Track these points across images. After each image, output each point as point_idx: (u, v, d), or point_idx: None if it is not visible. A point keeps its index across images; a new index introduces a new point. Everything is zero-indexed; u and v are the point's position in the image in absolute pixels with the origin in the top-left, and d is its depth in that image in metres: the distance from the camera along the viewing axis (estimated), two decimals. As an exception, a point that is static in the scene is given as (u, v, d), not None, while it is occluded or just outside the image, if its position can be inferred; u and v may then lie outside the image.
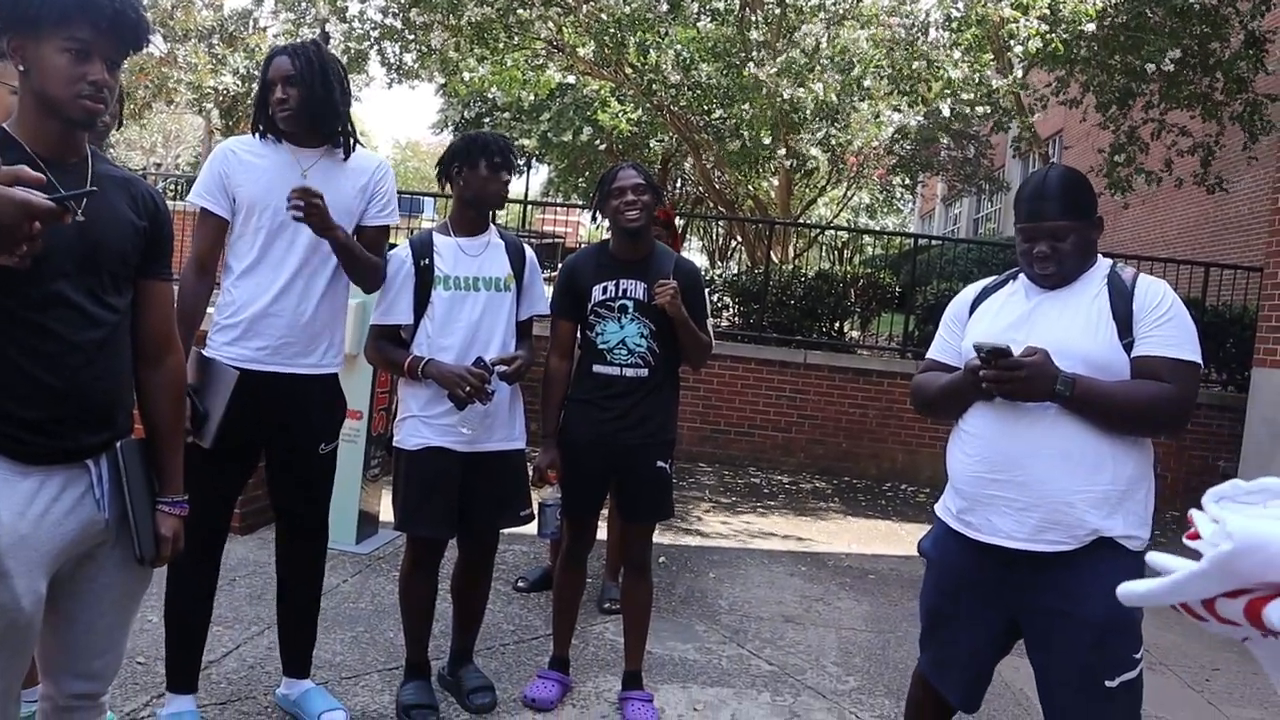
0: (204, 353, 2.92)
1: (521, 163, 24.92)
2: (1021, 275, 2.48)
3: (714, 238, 24.82)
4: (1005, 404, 2.30)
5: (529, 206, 15.22)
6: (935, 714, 2.61)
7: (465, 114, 21.58)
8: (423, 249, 3.21)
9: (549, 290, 3.47)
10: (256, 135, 2.98)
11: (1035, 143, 11.11)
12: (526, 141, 16.73)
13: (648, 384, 3.30)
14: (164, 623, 3.01)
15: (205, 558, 2.99)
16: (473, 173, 3.17)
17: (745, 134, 10.74)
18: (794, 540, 6.33)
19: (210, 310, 3.06)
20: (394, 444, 3.26)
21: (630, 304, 3.30)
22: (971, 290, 2.61)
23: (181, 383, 2.19)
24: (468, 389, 3.03)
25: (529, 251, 3.37)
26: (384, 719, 3.23)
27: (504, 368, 3.12)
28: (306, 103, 2.86)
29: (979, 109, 9.22)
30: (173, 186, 14.48)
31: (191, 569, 2.94)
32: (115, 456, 1.99)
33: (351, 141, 3.02)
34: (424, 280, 3.18)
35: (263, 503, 4.92)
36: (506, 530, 3.46)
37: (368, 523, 5.34)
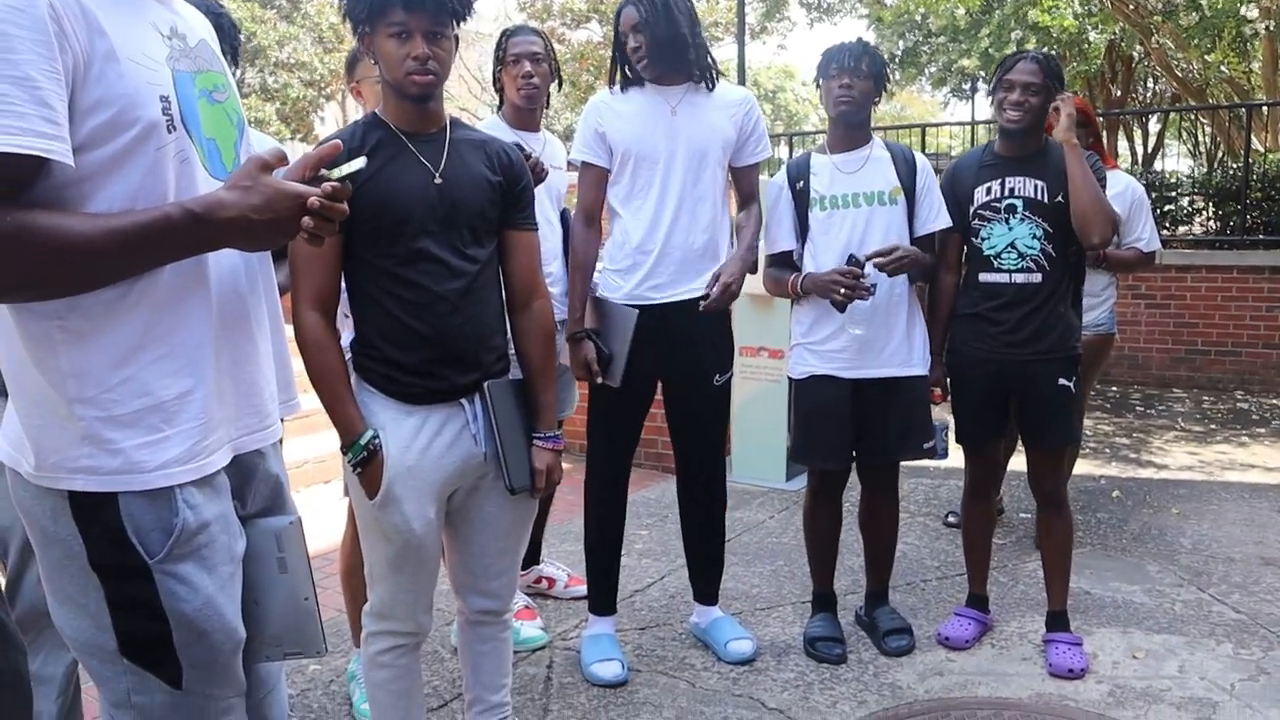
0: (598, 295, 3.08)
1: (966, 87, 23.67)
2: None
3: (1198, 139, 21.86)
4: None
5: (975, 129, 14.39)
6: None
7: (901, 44, 20.85)
8: (798, 172, 3.14)
9: None
10: (618, 88, 3.06)
11: None
12: (967, 62, 15.84)
13: (1042, 291, 2.98)
14: (584, 550, 3.25)
15: (612, 489, 3.17)
16: (823, 86, 3.04)
17: (1204, 1, 9.22)
18: (1287, 473, 5.42)
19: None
20: (788, 374, 3.23)
21: (1019, 203, 2.99)
22: None
23: (549, 325, 2.32)
24: (843, 290, 2.91)
25: (921, 160, 3.15)
26: (793, 650, 3.24)
27: (880, 259, 2.92)
28: (656, 43, 2.89)
29: None
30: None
31: (599, 501, 3.16)
32: (485, 395, 2.16)
33: (713, 74, 3.02)
34: (801, 203, 3.11)
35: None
36: (940, 465, 3.30)
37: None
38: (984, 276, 3.05)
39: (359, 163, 1.42)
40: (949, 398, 3.18)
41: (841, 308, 2.97)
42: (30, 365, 1.32)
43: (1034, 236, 2.97)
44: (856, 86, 2.98)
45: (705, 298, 2.88)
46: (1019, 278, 2.99)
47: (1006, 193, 3.00)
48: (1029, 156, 3.00)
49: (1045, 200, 2.96)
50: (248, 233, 1.31)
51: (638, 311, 2.95)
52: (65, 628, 1.41)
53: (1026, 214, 2.98)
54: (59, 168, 1.23)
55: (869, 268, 2.92)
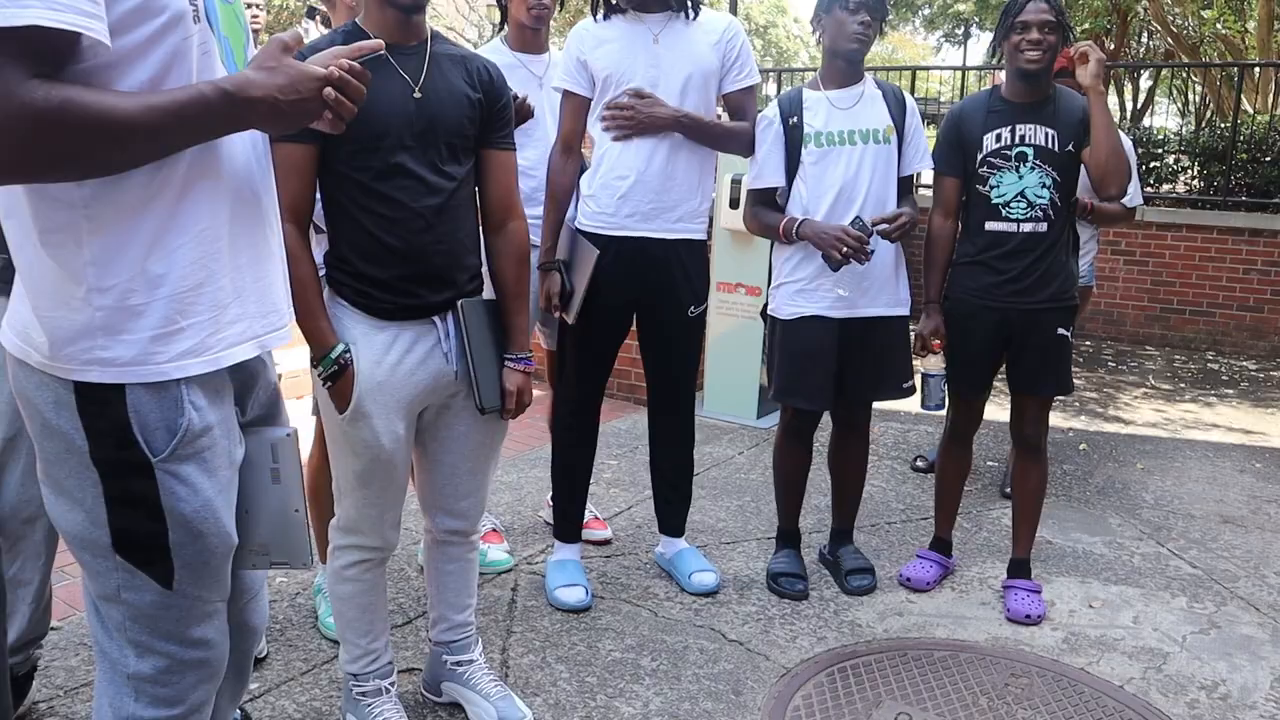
0: (575, 227, 3.04)
1: (959, 32, 23.47)
2: None
3: (1188, 97, 21.78)
4: None
5: (966, 75, 14.28)
6: None
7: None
8: (791, 107, 3.07)
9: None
10: (600, 16, 2.99)
11: None
12: (962, 7, 15.70)
13: (1047, 239, 2.97)
14: (551, 477, 3.26)
15: (584, 418, 3.16)
16: (830, 18, 2.96)
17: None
18: (1246, 434, 5.49)
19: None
20: (769, 312, 3.19)
21: (1030, 150, 2.95)
22: None
23: (524, 246, 2.29)
24: (845, 250, 2.89)
25: (910, 100, 3.10)
26: (755, 584, 3.28)
27: (885, 226, 2.92)
28: None
29: None
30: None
31: (569, 429, 3.15)
32: (459, 314, 2.13)
33: (695, 2, 2.95)
34: (793, 139, 3.06)
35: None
36: (911, 409, 3.30)
37: (767, 397, 5.40)
38: (990, 225, 3.01)
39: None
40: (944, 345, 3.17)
41: (836, 266, 2.95)
42: (45, 254, 1.29)
43: (1044, 185, 2.94)
44: (873, 26, 2.93)
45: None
46: (1026, 226, 2.96)
47: (1017, 140, 2.96)
48: (1039, 103, 2.95)
49: (1055, 149, 2.93)
50: (274, 112, 1.31)
51: (598, 251, 2.93)
52: (59, 520, 1.40)
53: (1037, 162, 2.94)
54: (90, 50, 1.20)
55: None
